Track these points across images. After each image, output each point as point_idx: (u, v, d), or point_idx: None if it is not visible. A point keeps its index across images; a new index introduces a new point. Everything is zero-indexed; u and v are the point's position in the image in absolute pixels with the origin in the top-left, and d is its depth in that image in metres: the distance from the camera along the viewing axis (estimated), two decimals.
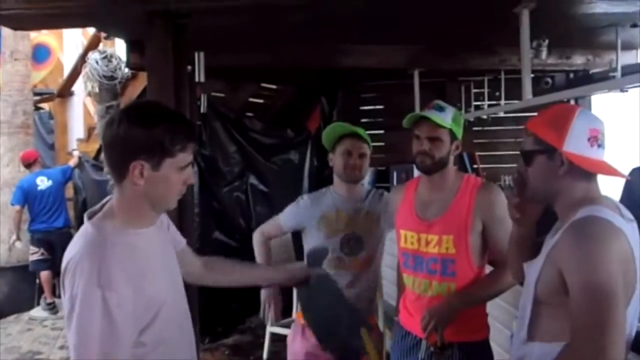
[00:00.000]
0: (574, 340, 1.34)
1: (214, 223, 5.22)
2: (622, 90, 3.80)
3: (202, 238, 5.01)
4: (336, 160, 2.57)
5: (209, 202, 5.18)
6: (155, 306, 1.40)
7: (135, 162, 1.38)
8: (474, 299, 2.12)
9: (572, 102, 4.54)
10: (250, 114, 5.94)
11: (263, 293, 2.66)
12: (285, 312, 4.75)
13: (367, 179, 5.81)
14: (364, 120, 6.14)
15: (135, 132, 1.38)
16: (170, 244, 1.63)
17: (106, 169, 5.42)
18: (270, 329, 4.48)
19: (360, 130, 2.58)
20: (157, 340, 1.42)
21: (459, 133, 2.16)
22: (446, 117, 2.11)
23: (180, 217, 2.96)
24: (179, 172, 1.44)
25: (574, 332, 1.34)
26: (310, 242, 2.60)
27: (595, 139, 1.47)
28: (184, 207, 2.97)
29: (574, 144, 1.46)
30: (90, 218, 1.45)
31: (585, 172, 1.47)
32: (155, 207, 1.48)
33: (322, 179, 6.00)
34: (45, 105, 8.73)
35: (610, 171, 1.51)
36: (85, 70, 5.50)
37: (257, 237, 2.79)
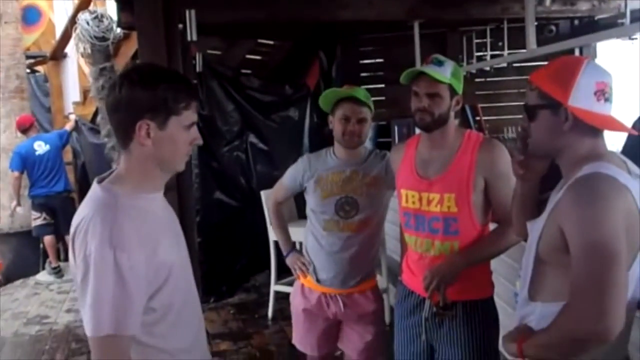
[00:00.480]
0: (572, 301, 1.30)
1: (215, 183, 5.18)
2: (630, 38, 3.66)
3: (203, 199, 4.99)
4: (335, 125, 2.50)
5: (209, 162, 5.14)
6: (165, 270, 1.40)
7: (140, 122, 1.38)
8: (477, 258, 2.08)
9: (577, 51, 4.42)
10: (247, 72, 5.84)
11: (288, 260, 2.70)
12: (288, 270, 4.78)
13: (368, 134, 5.77)
14: (363, 74, 6.03)
15: (138, 93, 1.38)
16: (176, 216, 1.63)
17: (103, 132, 5.41)
18: (274, 287, 4.52)
19: (359, 93, 2.48)
20: (167, 306, 1.43)
21: (459, 88, 2.08)
22: (445, 71, 2.03)
23: (178, 179, 2.92)
24: (185, 131, 1.44)
25: (572, 292, 1.30)
26: (309, 202, 2.59)
27: (602, 93, 1.40)
28: (183, 171, 2.92)
29: (580, 99, 1.39)
30: (99, 183, 1.45)
31: (591, 128, 1.41)
32: (163, 168, 1.47)
33: (322, 135, 5.93)
34: (40, 68, 8.60)
35: (617, 126, 1.44)
36: (76, 31, 5.36)
37: (269, 206, 2.82)
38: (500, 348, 2.25)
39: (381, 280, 4.27)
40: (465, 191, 2.04)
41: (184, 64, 3.99)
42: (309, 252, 2.60)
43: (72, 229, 1.38)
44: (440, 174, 2.08)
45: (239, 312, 4.75)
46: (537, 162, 1.57)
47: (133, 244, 1.32)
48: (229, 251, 5.13)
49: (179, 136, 1.43)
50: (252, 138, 5.47)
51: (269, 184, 4.92)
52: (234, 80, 5.39)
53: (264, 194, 4.42)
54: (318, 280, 2.54)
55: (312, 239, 2.57)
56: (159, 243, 1.40)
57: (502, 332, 2.24)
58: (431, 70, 2.01)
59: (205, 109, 5.18)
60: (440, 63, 2.04)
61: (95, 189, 1.42)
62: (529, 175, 1.60)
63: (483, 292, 2.17)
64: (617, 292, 1.24)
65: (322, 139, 5.95)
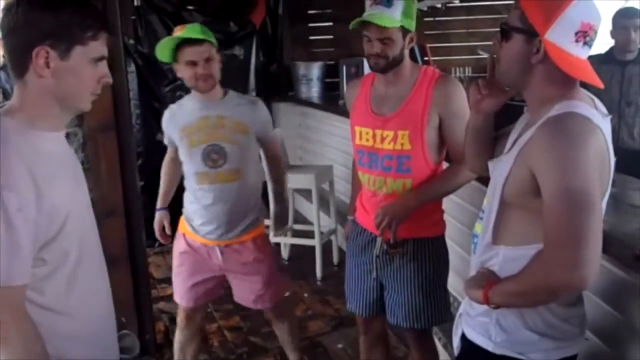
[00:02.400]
0: (546, 249, 1.23)
1: (156, 125, 4.94)
2: None
3: (145, 141, 4.82)
4: (182, 72, 2.36)
5: (150, 102, 4.93)
6: (60, 217, 1.26)
7: (38, 48, 1.21)
8: (430, 196, 2.07)
9: None
10: (190, 7, 5.56)
11: (155, 218, 2.71)
12: None
13: (315, 73, 5.65)
14: (311, 11, 5.83)
15: (38, 15, 1.22)
16: (77, 159, 1.49)
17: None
18: None
19: (195, 31, 2.32)
20: (60, 258, 1.29)
21: (412, 25, 1.99)
22: (395, 12, 1.93)
23: (117, 119, 2.76)
24: (92, 66, 1.28)
25: (547, 240, 1.23)
26: (179, 154, 2.52)
27: (584, 35, 1.30)
28: (119, 109, 2.75)
29: (558, 34, 1.29)
30: None
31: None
32: (64, 106, 1.30)
33: (268, 74, 5.78)
34: None
35: (587, 75, 1.33)
36: None
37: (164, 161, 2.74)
38: (449, 287, 2.28)
39: (329, 221, 4.28)
40: (420, 128, 2.00)
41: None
42: (186, 206, 2.56)
43: None
44: (395, 111, 2.04)
45: None
46: (498, 91, 1.49)
47: (22, 183, 1.17)
48: (174, 195, 4.99)
49: (84, 70, 1.27)
50: None
51: None
52: (175, 16, 5.12)
53: None
54: (197, 232, 2.51)
55: (188, 193, 2.53)
56: (53, 185, 1.24)
57: (452, 272, 2.26)
58: (379, 15, 1.91)
59: (144, 45, 4.93)
60: (389, 2, 1.93)
61: None
62: (485, 104, 1.52)
63: (433, 230, 2.16)
64: (594, 241, 1.18)
65: (268, 78, 5.81)
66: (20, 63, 1.25)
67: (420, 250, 2.11)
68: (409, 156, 2.02)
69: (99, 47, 1.28)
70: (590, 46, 1.33)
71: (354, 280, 2.27)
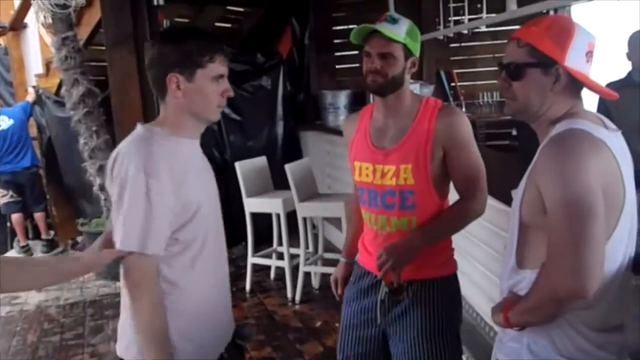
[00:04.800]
0: (548, 261, 1.26)
1: None
2: None
3: None
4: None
5: None
6: (193, 207, 1.54)
7: (170, 75, 1.52)
8: (437, 235, 1.93)
9: (552, 12, 4.35)
10: None
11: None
12: (264, 242, 4.72)
13: (342, 101, 5.68)
14: (337, 40, 5.90)
15: (167, 48, 1.54)
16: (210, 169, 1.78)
17: (68, 105, 5.20)
18: (251, 259, 4.47)
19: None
20: (190, 240, 1.56)
21: (416, 49, 1.91)
22: (400, 30, 1.86)
23: None
24: (214, 84, 1.56)
25: (548, 250, 1.26)
26: None
27: (591, 54, 1.39)
28: None
29: (574, 59, 1.36)
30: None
31: (573, 89, 1.39)
32: (197, 118, 1.60)
33: (296, 103, 5.84)
34: (0, 41, 8.25)
35: (602, 89, 1.44)
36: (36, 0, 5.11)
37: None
38: (482, 313, 2.23)
39: None
40: (424, 161, 1.87)
41: (151, 32, 3.83)
42: None
43: (110, 159, 1.54)
44: (397, 144, 1.91)
45: None
46: None
47: (164, 173, 1.47)
48: None
49: (208, 88, 1.55)
50: (224, 108, 5.32)
51: (242, 154, 4.84)
52: None
53: (238, 165, 4.34)
54: None
55: None
56: (187, 180, 1.53)
57: (486, 299, 2.22)
58: (384, 28, 1.84)
59: None
60: (394, 21, 1.87)
61: (137, 129, 1.59)
62: None
63: (442, 270, 1.99)
64: (594, 247, 1.20)
65: (295, 107, 5.87)
66: (160, 88, 1.56)
67: (426, 292, 1.93)
68: (413, 191, 1.89)
69: (217, 67, 1.55)
70: (591, 63, 1.41)
71: (354, 329, 2.05)
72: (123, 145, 1.55)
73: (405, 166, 1.88)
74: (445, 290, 1.97)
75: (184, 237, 1.55)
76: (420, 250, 1.86)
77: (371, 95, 5.10)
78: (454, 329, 1.98)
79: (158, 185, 1.45)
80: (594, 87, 1.40)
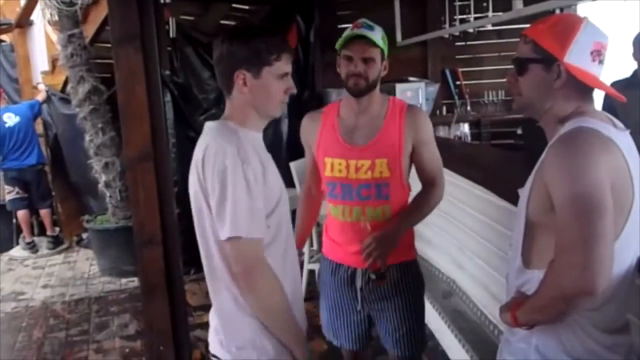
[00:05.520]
0: (556, 258, 1.25)
1: (191, 153, 5.04)
2: None
3: (180, 169, 4.87)
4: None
5: (185, 131, 5.01)
6: (276, 194, 1.61)
7: (238, 72, 1.58)
8: (414, 220, 2.13)
9: (557, 11, 4.34)
10: None
11: None
12: None
13: None
14: None
15: (236, 46, 1.58)
16: None
17: (74, 102, 5.22)
18: None
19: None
20: (277, 228, 1.62)
21: (386, 52, 2.07)
22: (377, 35, 2.01)
23: (154, 148, 2.81)
24: (278, 81, 1.62)
25: (556, 247, 1.26)
26: None
27: (598, 54, 1.38)
28: (157, 139, 2.81)
29: (576, 56, 1.36)
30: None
31: (580, 88, 1.38)
32: (260, 113, 1.65)
33: (301, 102, 5.83)
34: (6, 37, 8.27)
35: (606, 88, 1.43)
36: None
37: None
38: (489, 314, 2.24)
39: None
40: (398, 155, 2.05)
41: (157, 30, 3.83)
42: None
43: (197, 157, 1.59)
44: (371, 140, 2.06)
45: None
46: None
47: (253, 160, 1.53)
48: None
49: (273, 85, 1.61)
50: None
51: None
52: (209, 47, 5.20)
53: None
54: None
55: None
56: (269, 169, 1.60)
57: (492, 299, 2.22)
58: (367, 33, 1.98)
59: (180, 76, 5.04)
60: (371, 27, 2.01)
61: (209, 125, 1.65)
62: None
63: (412, 253, 2.23)
64: (602, 244, 1.19)
65: (300, 105, 5.86)
66: (227, 83, 1.63)
67: (405, 274, 2.16)
68: (387, 183, 2.05)
69: (282, 66, 1.61)
70: (603, 64, 1.40)
71: (338, 317, 2.25)
72: (206, 142, 1.58)
73: (380, 160, 2.04)
74: (417, 271, 2.22)
75: (272, 223, 1.61)
76: (402, 236, 2.05)
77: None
78: (423, 304, 2.25)
79: (252, 171, 1.51)
80: (597, 86, 1.39)
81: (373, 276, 2.02)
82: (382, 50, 2.03)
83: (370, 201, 2.07)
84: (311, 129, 2.20)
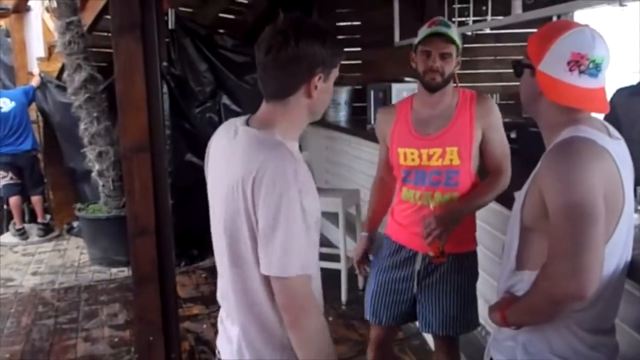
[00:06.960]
0: (547, 263, 1.29)
1: (186, 145, 5.07)
2: (621, 4, 3.53)
3: (175, 161, 4.89)
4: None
5: (181, 123, 5.02)
6: (318, 214, 1.45)
7: (316, 74, 1.44)
8: (477, 204, 2.20)
9: (555, 18, 4.36)
10: (221, 31, 5.67)
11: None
12: None
13: (343, 97, 5.69)
14: (340, 37, 5.90)
15: (314, 47, 1.42)
16: None
17: (69, 90, 5.19)
18: None
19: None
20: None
21: (461, 49, 2.16)
22: (454, 32, 2.11)
23: (151, 141, 2.82)
24: (332, 84, 1.53)
25: (548, 252, 1.29)
26: None
27: (577, 64, 1.35)
28: (154, 130, 2.81)
29: (551, 65, 1.37)
30: (247, 126, 1.49)
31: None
32: (311, 117, 1.53)
33: None
34: (2, 22, 8.22)
35: (583, 103, 1.37)
36: None
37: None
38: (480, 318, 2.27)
39: (355, 245, 4.27)
40: (469, 143, 2.14)
41: (157, 21, 3.83)
42: None
43: (250, 172, 1.35)
44: (443, 129, 2.16)
45: (210, 276, 4.72)
46: None
47: (308, 187, 1.37)
48: (200, 215, 4.99)
49: (331, 88, 1.53)
50: (225, 99, 5.35)
51: None
52: (207, 39, 5.24)
53: None
54: None
55: None
56: (312, 187, 1.42)
57: (481, 300, 2.25)
58: (446, 30, 2.08)
59: (177, 67, 5.04)
60: (447, 25, 2.11)
61: (251, 132, 1.44)
62: None
63: (471, 246, 2.30)
64: (593, 251, 1.22)
65: None
66: (293, 86, 1.44)
67: (460, 264, 2.23)
68: (457, 171, 2.15)
69: (338, 69, 1.52)
70: (591, 75, 1.35)
71: (387, 294, 2.33)
72: (261, 157, 1.36)
73: (451, 149, 2.14)
74: (473, 263, 2.29)
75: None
76: (464, 217, 2.15)
77: (371, 95, 5.12)
78: (475, 293, 2.29)
79: (307, 201, 1.35)
80: (561, 97, 1.36)
81: (431, 254, 2.10)
82: (457, 47, 2.12)
83: (440, 187, 2.17)
84: (385, 123, 2.32)
